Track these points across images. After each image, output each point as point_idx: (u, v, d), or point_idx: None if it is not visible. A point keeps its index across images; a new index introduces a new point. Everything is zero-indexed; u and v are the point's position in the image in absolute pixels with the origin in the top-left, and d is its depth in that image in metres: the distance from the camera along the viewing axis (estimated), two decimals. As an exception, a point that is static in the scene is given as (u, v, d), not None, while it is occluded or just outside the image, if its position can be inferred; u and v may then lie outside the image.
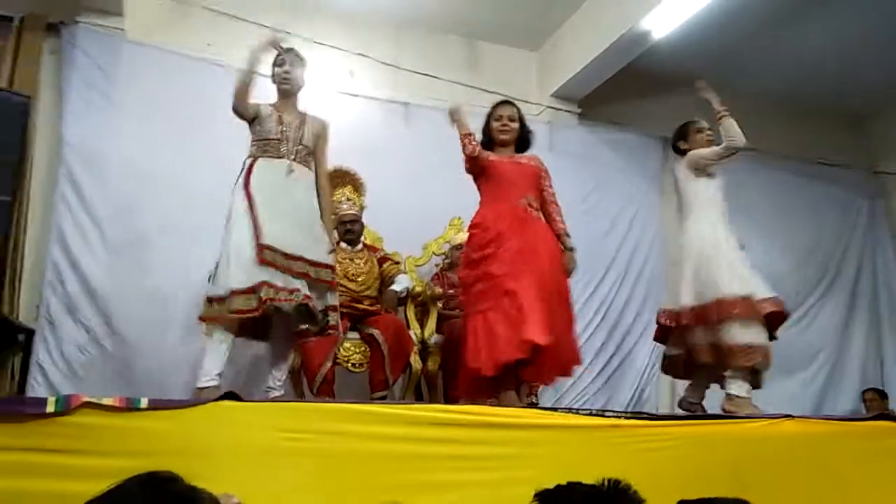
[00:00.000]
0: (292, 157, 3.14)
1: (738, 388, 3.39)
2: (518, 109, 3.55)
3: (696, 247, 3.57)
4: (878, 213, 6.31)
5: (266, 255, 2.89)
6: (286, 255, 2.94)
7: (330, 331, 3.15)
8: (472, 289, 3.25)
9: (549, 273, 3.18)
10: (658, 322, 3.73)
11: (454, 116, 3.36)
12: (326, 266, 3.10)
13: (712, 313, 3.39)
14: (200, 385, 2.86)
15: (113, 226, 4.06)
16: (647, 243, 5.44)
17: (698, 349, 3.48)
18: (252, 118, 3.18)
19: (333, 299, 3.15)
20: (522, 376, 3.29)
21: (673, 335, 3.67)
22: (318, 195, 3.23)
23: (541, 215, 3.37)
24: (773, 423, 2.89)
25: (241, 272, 2.87)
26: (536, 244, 3.20)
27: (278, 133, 3.14)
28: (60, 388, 3.67)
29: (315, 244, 3.08)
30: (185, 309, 3.94)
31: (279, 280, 2.90)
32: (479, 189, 3.43)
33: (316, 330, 3.12)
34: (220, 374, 2.91)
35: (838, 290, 5.97)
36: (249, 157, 3.14)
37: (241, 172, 3.08)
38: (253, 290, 2.85)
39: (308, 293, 2.98)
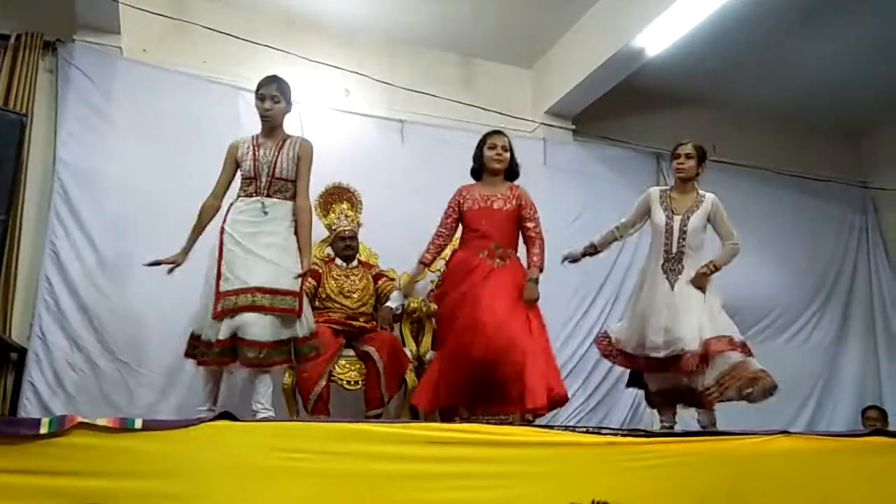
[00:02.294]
0: (265, 192, 3.14)
1: (707, 417, 3.48)
2: (509, 139, 3.64)
3: (644, 286, 3.70)
4: (872, 229, 6.34)
5: (223, 304, 2.96)
6: (238, 292, 2.96)
7: (305, 361, 3.17)
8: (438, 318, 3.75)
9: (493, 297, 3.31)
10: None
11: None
12: (289, 293, 3.02)
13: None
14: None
15: (107, 244, 4.05)
16: (641, 259, 5.43)
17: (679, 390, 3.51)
18: (235, 167, 3.23)
19: (302, 329, 3.08)
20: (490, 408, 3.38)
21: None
22: (296, 220, 3.17)
23: (506, 261, 3.47)
24: (768, 439, 2.90)
25: (199, 321, 3.08)
26: (479, 294, 3.33)
27: (251, 171, 3.16)
28: (53, 408, 3.65)
29: (281, 274, 3.03)
30: (178, 328, 3.92)
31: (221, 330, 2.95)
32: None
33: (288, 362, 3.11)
34: (210, 409, 3.03)
35: (833, 306, 5.98)
36: (237, 194, 3.21)
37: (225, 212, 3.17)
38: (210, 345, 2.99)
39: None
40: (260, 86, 3.23)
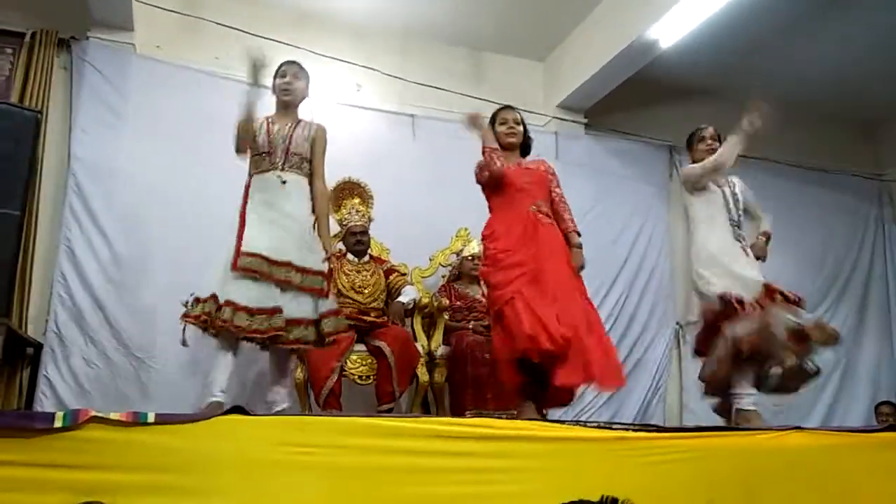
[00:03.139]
0: (282, 166, 3.11)
1: (748, 402, 3.40)
2: (520, 113, 3.57)
3: (708, 259, 3.54)
4: (887, 222, 6.28)
5: (244, 261, 2.86)
6: (270, 261, 2.91)
7: (327, 339, 3.07)
8: (491, 293, 3.32)
9: (558, 281, 3.16)
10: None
11: (475, 124, 3.36)
12: (317, 273, 3.03)
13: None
14: (206, 401, 2.85)
15: (121, 240, 4.09)
16: (655, 253, 5.43)
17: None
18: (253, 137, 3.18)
19: (326, 306, 3.07)
20: (554, 381, 3.10)
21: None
22: (314, 201, 3.18)
23: (551, 219, 3.38)
24: (781, 434, 2.87)
25: (216, 282, 2.89)
26: (545, 252, 3.21)
27: (266, 145, 3.14)
28: (68, 402, 3.69)
29: (307, 252, 3.03)
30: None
31: (251, 292, 2.84)
32: (487, 198, 3.44)
33: (311, 342, 3.05)
34: (223, 391, 2.88)
35: (848, 300, 5.94)
36: (249, 174, 3.16)
37: (242, 195, 3.11)
38: (213, 300, 2.83)
39: (283, 321, 2.88)
40: (281, 65, 3.26)
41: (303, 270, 2.99)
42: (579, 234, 3.41)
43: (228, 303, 2.83)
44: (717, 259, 3.51)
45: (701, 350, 3.65)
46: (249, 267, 2.87)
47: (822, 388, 5.56)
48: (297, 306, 2.98)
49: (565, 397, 3.29)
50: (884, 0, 4.75)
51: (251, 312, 2.84)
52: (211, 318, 2.84)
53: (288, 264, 2.96)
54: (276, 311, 2.89)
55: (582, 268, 3.36)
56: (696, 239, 3.63)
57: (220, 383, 2.88)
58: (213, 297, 2.87)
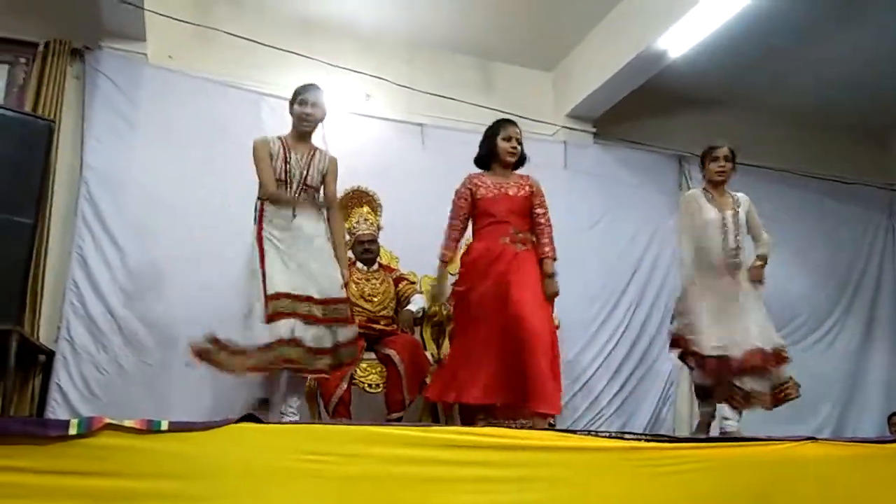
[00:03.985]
0: (295, 197, 3.16)
1: (734, 422, 3.44)
2: (518, 129, 3.61)
3: (708, 285, 3.57)
4: (896, 230, 6.26)
5: (273, 307, 2.92)
6: (292, 297, 2.97)
7: (344, 367, 3.20)
8: (455, 314, 3.61)
9: (511, 318, 3.23)
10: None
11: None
12: (338, 301, 3.10)
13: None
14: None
15: (133, 248, 4.11)
16: (665, 262, 5.41)
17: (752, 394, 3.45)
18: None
19: (344, 335, 3.13)
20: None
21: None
22: (330, 228, 3.23)
23: (527, 245, 3.44)
24: (795, 445, 2.86)
25: (259, 328, 2.94)
26: (509, 283, 3.29)
27: (282, 174, 3.17)
28: (79, 409, 3.70)
29: (325, 281, 3.08)
30: (203, 331, 3.96)
31: (307, 332, 2.96)
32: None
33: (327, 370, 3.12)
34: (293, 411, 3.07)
35: (858, 310, 5.91)
36: (258, 198, 3.17)
37: (255, 216, 3.14)
38: (269, 347, 2.91)
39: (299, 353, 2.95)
40: (301, 90, 3.26)
41: (324, 302, 3.05)
42: (555, 260, 3.44)
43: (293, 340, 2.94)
44: (704, 296, 3.56)
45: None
46: (278, 311, 2.93)
47: (835, 399, 5.54)
48: (320, 338, 3.03)
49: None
50: (892, 9, 4.74)
51: (270, 347, 2.91)
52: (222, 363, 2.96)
53: (309, 299, 3.01)
54: (294, 341, 2.93)
55: (554, 296, 3.40)
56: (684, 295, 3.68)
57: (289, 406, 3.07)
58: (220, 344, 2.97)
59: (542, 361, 3.13)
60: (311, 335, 2.99)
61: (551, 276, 3.40)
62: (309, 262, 3.08)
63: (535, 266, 3.40)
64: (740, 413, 3.45)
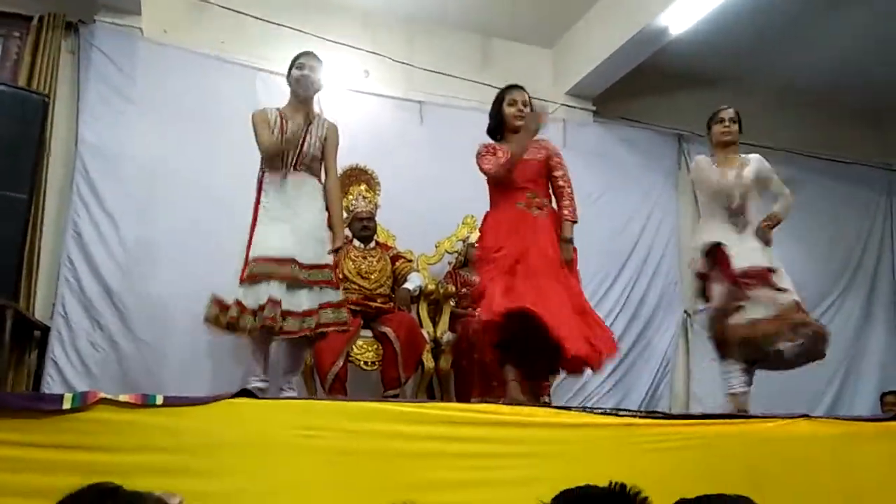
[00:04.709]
0: (293, 166, 3.16)
1: (740, 383, 3.41)
2: (528, 94, 3.52)
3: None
4: None
5: (249, 270, 2.95)
6: (274, 260, 2.97)
7: (321, 329, 3.11)
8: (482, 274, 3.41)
9: (540, 271, 3.18)
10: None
11: (540, 123, 3.33)
12: (323, 266, 3.09)
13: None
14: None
15: (128, 224, 4.08)
16: (663, 241, 5.41)
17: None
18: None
19: (328, 297, 3.11)
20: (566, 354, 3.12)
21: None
22: (327, 199, 3.23)
23: (544, 209, 3.36)
24: (788, 422, 2.87)
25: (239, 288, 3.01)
26: (530, 247, 3.22)
27: (280, 143, 3.16)
28: (75, 385, 3.70)
29: (315, 249, 3.08)
30: (200, 308, 3.96)
31: (255, 293, 2.94)
32: (488, 187, 3.46)
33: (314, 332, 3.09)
34: (265, 380, 3.06)
35: (856, 289, 5.91)
36: (260, 169, 3.20)
37: (257, 187, 3.17)
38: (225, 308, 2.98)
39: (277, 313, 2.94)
40: (299, 56, 3.26)
41: (308, 266, 3.04)
42: (575, 222, 3.36)
43: (237, 303, 2.97)
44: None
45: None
46: (254, 274, 2.96)
47: (830, 377, 5.56)
48: (300, 300, 3.01)
49: (548, 370, 3.36)
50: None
51: (254, 312, 2.94)
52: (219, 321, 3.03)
53: (292, 261, 3.00)
54: (273, 303, 2.93)
55: (568, 262, 3.33)
56: (696, 231, 3.71)
57: (258, 373, 3.07)
58: (217, 301, 3.05)
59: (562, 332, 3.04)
60: (291, 299, 2.96)
61: (568, 240, 3.33)
62: (301, 227, 3.08)
63: (552, 233, 3.32)
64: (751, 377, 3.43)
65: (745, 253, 3.47)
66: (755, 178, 3.63)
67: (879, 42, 5.18)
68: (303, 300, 3.02)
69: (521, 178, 3.36)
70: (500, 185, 3.37)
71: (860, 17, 4.97)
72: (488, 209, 3.45)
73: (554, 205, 3.44)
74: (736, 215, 3.59)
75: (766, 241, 3.58)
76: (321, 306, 3.08)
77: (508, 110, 3.44)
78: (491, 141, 3.52)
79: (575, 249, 3.37)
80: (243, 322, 2.94)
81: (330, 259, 3.16)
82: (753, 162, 3.68)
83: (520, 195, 3.34)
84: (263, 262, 2.98)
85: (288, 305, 2.96)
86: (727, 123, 3.69)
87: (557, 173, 3.43)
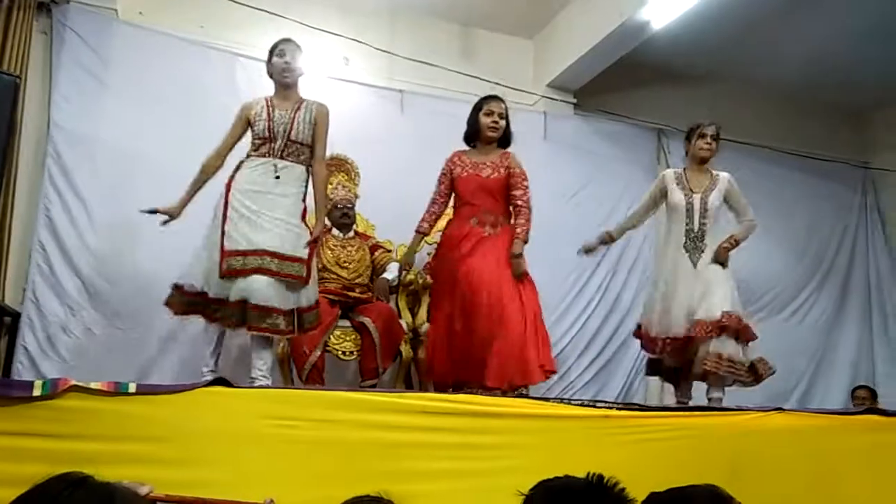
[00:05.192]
0: (280, 154, 3.10)
1: (718, 391, 3.49)
2: (506, 105, 3.57)
3: (666, 269, 3.69)
4: (871, 209, 6.32)
5: (228, 264, 2.93)
6: (246, 253, 2.93)
7: (305, 332, 3.16)
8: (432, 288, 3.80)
9: (469, 298, 3.31)
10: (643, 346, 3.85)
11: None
12: (297, 260, 3.01)
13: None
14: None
15: (101, 208, 4.01)
16: (641, 236, 5.41)
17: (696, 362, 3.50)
18: (246, 127, 3.19)
19: (305, 297, 3.07)
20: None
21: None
22: (313, 184, 3.19)
23: (497, 228, 3.45)
24: (763, 415, 2.91)
25: (200, 275, 3.02)
26: (469, 271, 3.33)
27: (265, 132, 3.11)
28: (46, 372, 3.63)
29: (288, 240, 3.02)
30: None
31: (227, 288, 2.94)
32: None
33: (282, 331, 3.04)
34: (212, 370, 3.06)
35: (831, 286, 5.99)
36: (248, 154, 3.16)
37: (237, 164, 3.13)
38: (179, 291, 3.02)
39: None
40: (279, 43, 3.22)
41: (280, 257, 2.97)
42: (525, 242, 3.43)
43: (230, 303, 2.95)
44: (657, 284, 3.72)
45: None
46: (230, 269, 2.94)
47: (802, 371, 5.64)
48: (270, 297, 2.94)
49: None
50: (874, -13, 4.74)
51: (222, 303, 2.96)
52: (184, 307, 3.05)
53: (264, 252, 2.95)
54: (241, 301, 2.92)
55: (521, 276, 3.40)
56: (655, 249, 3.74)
57: (210, 361, 3.09)
58: (178, 288, 3.08)
59: (505, 342, 3.20)
60: (261, 294, 2.91)
61: (517, 256, 3.38)
62: (276, 212, 3.03)
63: (501, 249, 3.40)
64: (723, 389, 3.50)
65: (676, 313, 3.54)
66: (721, 203, 3.68)
67: (858, 39, 5.23)
68: (272, 294, 2.94)
69: (477, 194, 3.47)
70: (458, 198, 3.55)
71: (840, 14, 5.01)
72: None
73: (510, 222, 3.53)
74: (695, 239, 3.63)
75: (723, 264, 3.60)
76: (300, 310, 3.05)
77: (484, 120, 3.50)
78: (466, 147, 3.62)
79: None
80: (223, 316, 2.96)
81: (304, 253, 3.05)
82: (722, 182, 3.71)
83: (474, 211, 3.46)
84: (235, 256, 2.94)
85: (264, 301, 2.91)
86: (709, 140, 3.71)
87: (517, 192, 3.50)
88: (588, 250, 3.97)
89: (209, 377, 2.86)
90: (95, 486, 1.02)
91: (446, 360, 3.44)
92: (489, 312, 3.26)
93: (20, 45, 4.01)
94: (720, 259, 3.58)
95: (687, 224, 3.64)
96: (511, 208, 3.52)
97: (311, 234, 3.11)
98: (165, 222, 3.14)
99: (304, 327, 3.10)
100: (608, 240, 3.94)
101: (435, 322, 3.59)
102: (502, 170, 3.48)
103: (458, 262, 3.39)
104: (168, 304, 3.11)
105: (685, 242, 3.63)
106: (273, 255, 2.95)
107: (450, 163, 3.59)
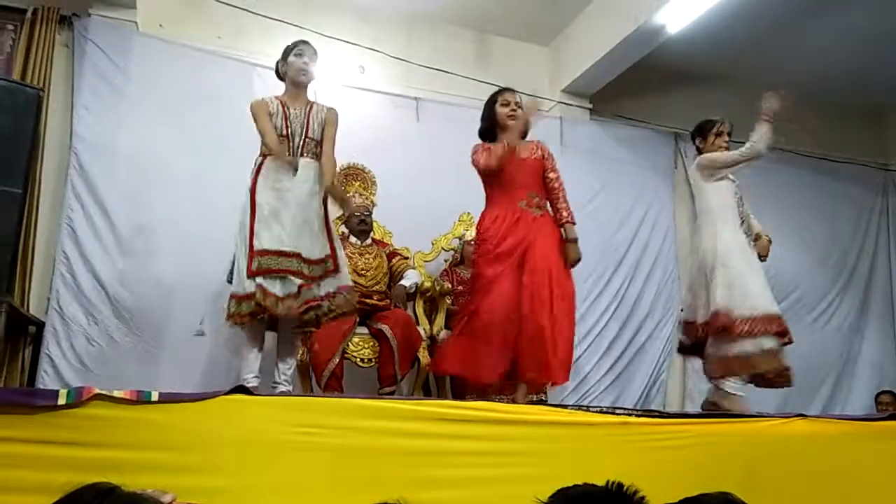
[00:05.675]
0: (298, 152, 3.13)
1: (734, 386, 3.42)
2: (520, 97, 3.54)
3: (721, 255, 3.50)
4: (893, 212, 6.26)
5: (258, 263, 2.92)
6: (281, 254, 2.95)
7: (337, 312, 3.12)
8: (473, 286, 3.49)
9: (536, 275, 3.19)
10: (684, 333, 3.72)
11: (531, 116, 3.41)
12: (319, 261, 3.06)
13: (743, 326, 3.37)
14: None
15: (123, 218, 4.07)
16: (659, 240, 5.41)
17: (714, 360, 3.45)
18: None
19: (336, 282, 3.12)
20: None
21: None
22: (323, 172, 3.18)
23: (543, 210, 3.38)
24: (784, 422, 2.87)
25: (239, 280, 2.98)
26: (527, 247, 3.23)
27: (283, 129, 3.14)
28: (70, 381, 3.68)
29: (313, 241, 3.06)
30: (194, 302, 3.95)
31: (275, 285, 2.93)
32: (484, 188, 3.45)
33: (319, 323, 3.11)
34: (257, 377, 3.05)
35: (853, 289, 5.93)
36: (260, 154, 3.14)
37: (253, 169, 3.11)
38: (248, 297, 2.92)
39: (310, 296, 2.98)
40: (297, 43, 3.25)
41: (309, 261, 3.02)
42: (574, 224, 3.37)
43: (259, 287, 2.91)
44: (731, 254, 3.49)
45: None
46: (263, 267, 2.93)
47: (825, 376, 5.58)
48: (311, 292, 3.01)
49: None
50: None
51: (279, 298, 2.93)
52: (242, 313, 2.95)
53: (298, 255, 2.98)
54: (300, 291, 2.95)
55: (576, 262, 3.35)
56: (708, 231, 3.59)
57: (251, 371, 3.05)
58: (234, 296, 2.99)
59: (551, 340, 3.13)
60: (298, 291, 2.96)
61: (574, 241, 3.34)
62: (300, 219, 3.04)
63: (554, 232, 3.33)
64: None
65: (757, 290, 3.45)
66: None
67: (876, 41, 5.19)
68: (314, 292, 3.02)
69: (522, 176, 3.36)
70: (501, 182, 3.35)
71: (858, 15, 4.97)
72: (484, 208, 3.44)
73: (548, 207, 3.45)
74: (743, 224, 3.62)
75: (765, 258, 3.63)
76: (329, 295, 3.08)
77: (501, 110, 3.44)
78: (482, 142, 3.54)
79: None
80: (269, 302, 2.90)
81: (328, 250, 3.12)
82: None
83: (521, 193, 3.35)
84: (270, 256, 2.95)
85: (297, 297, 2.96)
86: (726, 138, 3.71)
87: (552, 175, 3.43)
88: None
89: (254, 383, 2.96)
90: (123, 496, 1.04)
91: (489, 357, 3.21)
92: (557, 304, 3.17)
93: (43, 59, 4.10)
94: (763, 253, 3.61)
95: (738, 209, 3.62)
96: (548, 192, 3.42)
97: (327, 231, 3.15)
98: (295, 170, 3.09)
99: (336, 305, 3.10)
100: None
101: (482, 311, 3.24)
102: (539, 152, 3.43)
103: (521, 248, 3.22)
104: (229, 316, 3.04)
105: (742, 225, 3.60)
106: (304, 259, 2.99)
107: (483, 145, 3.40)
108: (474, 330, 3.25)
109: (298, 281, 2.95)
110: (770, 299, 3.47)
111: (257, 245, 2.96)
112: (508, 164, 3.33)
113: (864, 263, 6.03)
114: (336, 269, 3.13)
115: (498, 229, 3.28)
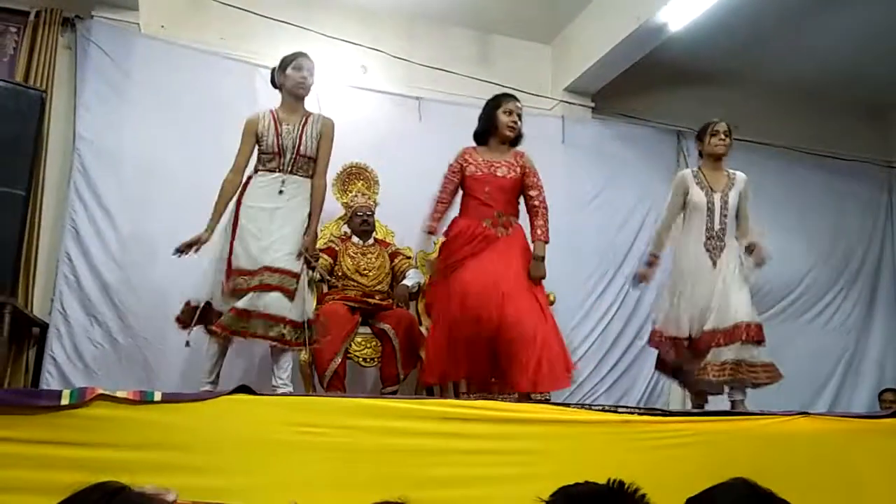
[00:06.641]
0: (288, 169, 3.13)
1: (740, 393, 3.45)
2: (520, 105, 3.56)
3: (686, 267, 3.62)
4: (896, 209, 6.24)
5: (231, 284, 2.98)
6: (248, 272, 2.98)
7: (314, 344, 3.16)
8: (433, 289, 3.62)
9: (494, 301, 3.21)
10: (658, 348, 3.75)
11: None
12: (291, 274, 3.01)
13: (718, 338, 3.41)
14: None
15: (126, 220, 4.08)
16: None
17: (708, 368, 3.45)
18: (255, 142, 3.20)
19: (310, 310, 3.14)
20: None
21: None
22: (312, 196, 3.19)
23: (510, 228, 3.40)
24: (788, 419, 2.87)
25: (207, 290, 3.06)
26: (484, 269, 3.26)
27: (275, 146, 3.13)
28: (74, 382, 3.69)
29: (290, 255, 3.05)
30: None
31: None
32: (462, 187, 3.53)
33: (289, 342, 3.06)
34: (211, 383, 3.09)
35: (858, 287, 5.90)
36: (255, 169, 3.19)
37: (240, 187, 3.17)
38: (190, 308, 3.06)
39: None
40: (295, 56, 3.22)
41: (278, 271, 3.00)
42: (546, 242, 3.38)
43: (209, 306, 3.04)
44: (680, 279, 3.63)
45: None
46: (234, 287, 2.99)
47: (829, 376, 5.56)
48: (276, 303, 2.98)
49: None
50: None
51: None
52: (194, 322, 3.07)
53: (264, 269, 2.98)
54: (247, 312, 2.95)
55: (540, 279, 3.36)
56: (675, 245, 3.72)
57: (208, 375, 3.10)
58: (188, 304, 3.13)
59: (522, 341, 3.13)
60: (269, 304, 2.96)
61: (540, 258, 3.35)
62: (283, 229, 3.05)
63: (519, 250, 3.36)
64: (743, 391, 3.45)
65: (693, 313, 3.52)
66: (738, 202, 3.67)
67: (880, 37, 5.17)
68: (280, 304, 2.98)
69: (492, 194, 3.39)
70: (472, 195, 3.43)
71: (860, 12, 4.95)
72: (458, 213, 3.50)
73: (522, 221, 3.47)
74: (715, 238, 3.61)
75: (761, 264, 3.58)
76: (311, 322, 3.09)
77: (504, 118, 3.45)
78: (474, 145, 3.56)
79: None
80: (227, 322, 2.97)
81: (299, 267, 3.06)
82: (740, 181, 3.72)
83: (488, 212, 3.39)
84: (239, 276, 2.99)
85: (274, 311, 2.97)
86: (722, 136, 3.70)
87: (533, 192, 3.44)
88: (643, 278, 3.87)
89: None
90: (131, 496, 1.05)
91: (452, 358, 3.32)
92: (514, 311, 3.18)
93: (46, 61, 4.11)
94: (758, 261, 3.56)
95: (707, 223, 3.62)
96: (527, 209, 3.48)
97: (304, 248, 3.11)
98: (197, 250, 3.12)
99: (313, 340, 3.11)
100: (654, 260, 3.84)
101: (440, 323, 3.42)
102: (518, 169, 3.43)
103: (475, 260, 3.29)
104: (178, 319, 3.15)
105: (706, 241, 3.61)
106: (272, 269, 2.98)
107: (461, 160, 3.49)
108: (437, 336, 3.41)
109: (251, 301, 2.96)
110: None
111: (235, 263, 3.00)
112: (481, 182, 3.39)
113: (868, 261, 6.00)
114: (293, 296, 3.01)
115: (459, 246, 3.37)
